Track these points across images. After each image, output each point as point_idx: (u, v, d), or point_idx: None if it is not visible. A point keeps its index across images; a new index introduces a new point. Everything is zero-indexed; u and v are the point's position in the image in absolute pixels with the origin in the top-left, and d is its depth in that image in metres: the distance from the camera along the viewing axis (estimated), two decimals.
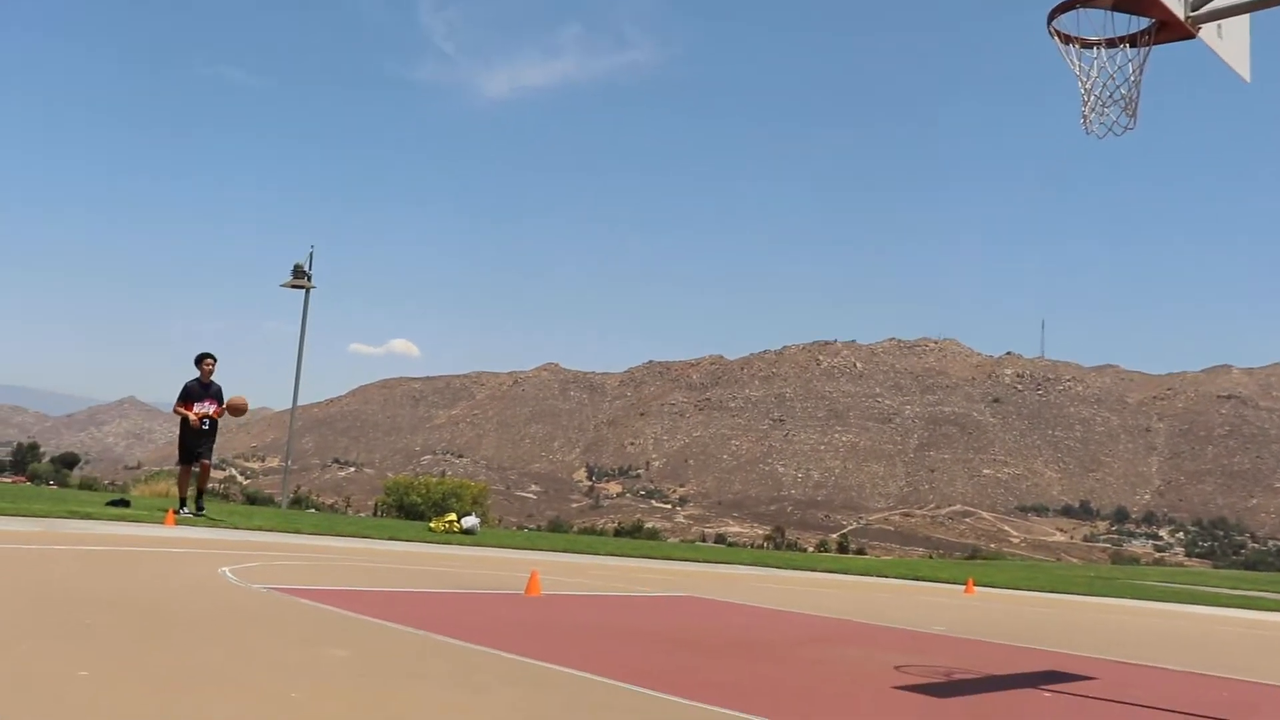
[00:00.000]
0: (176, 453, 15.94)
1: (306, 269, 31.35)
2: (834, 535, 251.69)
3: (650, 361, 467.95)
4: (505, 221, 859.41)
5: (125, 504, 17.27)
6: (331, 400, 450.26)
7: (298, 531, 15.28)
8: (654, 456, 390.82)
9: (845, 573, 20.23)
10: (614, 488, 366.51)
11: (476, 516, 22.60)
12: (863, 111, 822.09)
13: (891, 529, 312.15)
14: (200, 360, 15.89)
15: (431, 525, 20.64)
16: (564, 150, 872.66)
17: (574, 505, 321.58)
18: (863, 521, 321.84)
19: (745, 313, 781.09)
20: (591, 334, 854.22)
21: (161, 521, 14.04)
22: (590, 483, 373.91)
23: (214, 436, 15.81)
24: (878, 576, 19.86)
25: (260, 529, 14.84)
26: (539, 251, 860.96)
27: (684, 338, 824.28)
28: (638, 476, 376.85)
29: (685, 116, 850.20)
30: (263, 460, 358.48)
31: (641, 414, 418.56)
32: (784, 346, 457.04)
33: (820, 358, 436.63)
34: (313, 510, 60.75)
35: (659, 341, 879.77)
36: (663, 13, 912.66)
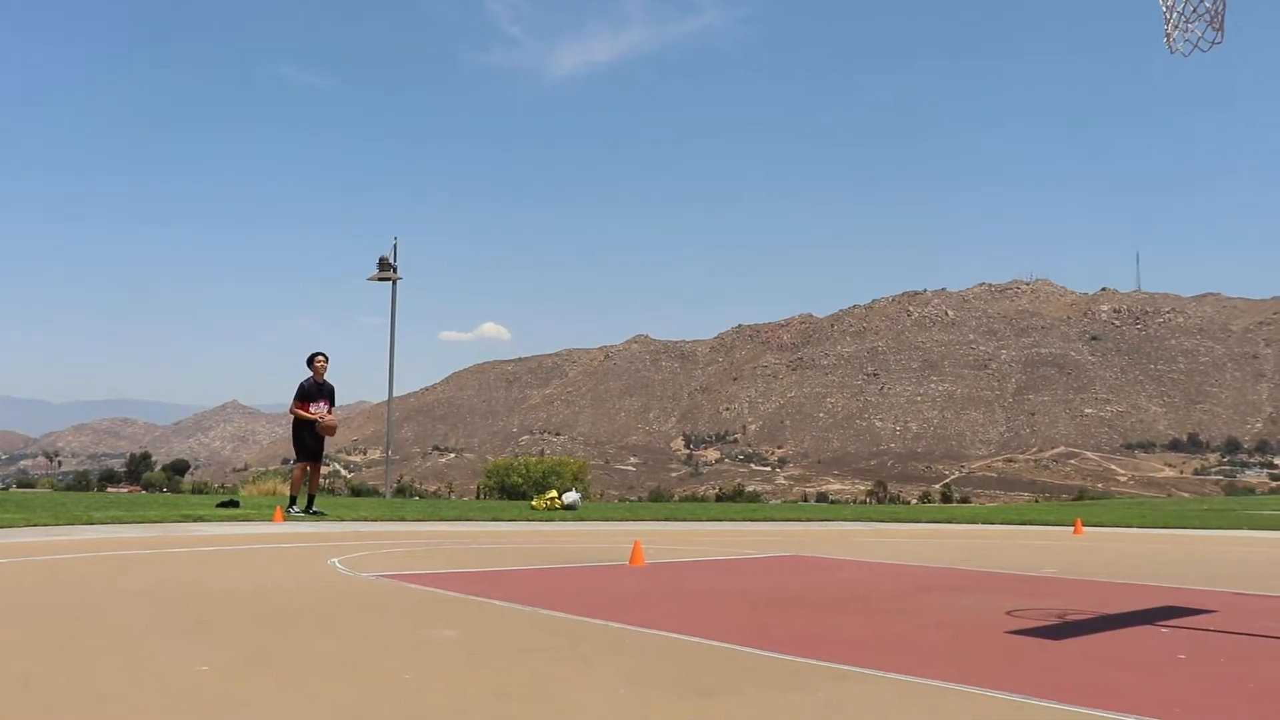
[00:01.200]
0: (293, 452, 15.66)
1: (392, 261, 31.66)
2: (936, 486, 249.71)
3: (739, 325, 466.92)
4: (584, 197, 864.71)
5: (235, 504, 17.66)
6: (427, 389, 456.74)
7: (402, 519, 15.51)
8: (750, 420, 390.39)
9: (950, 522, 20.03)
10: (712, 454, 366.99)
11: (578, 492, 22.74)
12: (933, 54, 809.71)
13: (994, 475, 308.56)
14: (312, 359, 15.62)
15: (534, 504, 20.81)
16: (637, 121, 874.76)
17: (673, 474, 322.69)
18: (965, 470, 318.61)
19: (832, 269, 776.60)
20: (678, 303, 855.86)
21: (270, 519, 14.34)
22: (688, 451, 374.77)
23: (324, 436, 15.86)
24: (983, 524, 19.63)
25: (366, 519, 15.07)
26: (620, 225, 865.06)
27: (772, 299, 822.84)
28: (735, 441, 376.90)
29: (757, 76, 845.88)
30: (364, 453, 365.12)
31: (734, 379, 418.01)
32: (873, 300, 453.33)
33: (910, 308, 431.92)
34: (416, 498, 61.72)
35: (747, 305, 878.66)
36: None
